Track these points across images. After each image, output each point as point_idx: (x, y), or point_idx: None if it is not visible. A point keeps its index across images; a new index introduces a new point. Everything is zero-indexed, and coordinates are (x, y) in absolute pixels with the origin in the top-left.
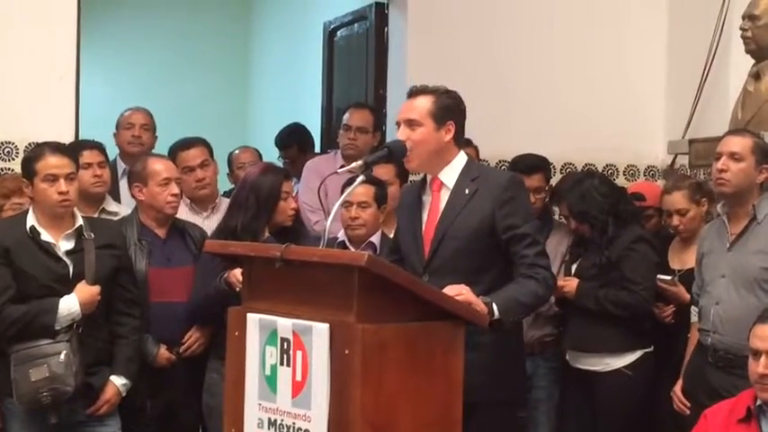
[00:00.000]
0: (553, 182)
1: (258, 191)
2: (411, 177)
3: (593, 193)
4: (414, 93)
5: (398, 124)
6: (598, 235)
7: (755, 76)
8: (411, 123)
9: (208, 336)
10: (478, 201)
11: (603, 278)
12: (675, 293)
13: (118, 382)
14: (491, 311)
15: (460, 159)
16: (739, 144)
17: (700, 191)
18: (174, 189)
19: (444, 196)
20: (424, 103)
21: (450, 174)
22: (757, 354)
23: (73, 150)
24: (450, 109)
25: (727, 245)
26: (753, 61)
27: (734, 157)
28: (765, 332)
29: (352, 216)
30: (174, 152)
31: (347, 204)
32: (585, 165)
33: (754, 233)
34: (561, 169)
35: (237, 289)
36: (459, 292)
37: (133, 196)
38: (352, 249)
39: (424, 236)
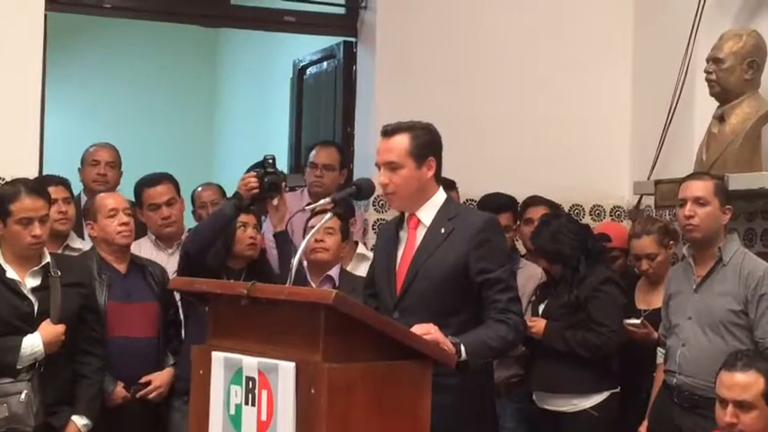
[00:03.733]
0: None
1: None
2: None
3: (564, 231)
4: (389, 132)
5: (378, 166)
6: (570, 273)
7: (720, 118)
8: (391, 166)
9: (167, 385)
10: (453, 241)
11: (571, 319)
12: (645, 335)
13: (80, 422)
14: (458, 352)
15: (440, 197)
16: (702, 188)
17: (667, 234)
18: (123, 218)
19: (420, 234)
20: (402, 142)
21: (428, 211)
22: (723, 402)
23: (44, 188)
24: (428, 145)
25: (694, 287)
26: (717, 104)
27: (699, 201)
28: (732, 380)
29: (317, 239)
30: (141, 189)
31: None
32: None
33: (720, 275)
34: None
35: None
36: (427, 331)
37: (89, 235)
38: (311, 281)
39: (398, 273)
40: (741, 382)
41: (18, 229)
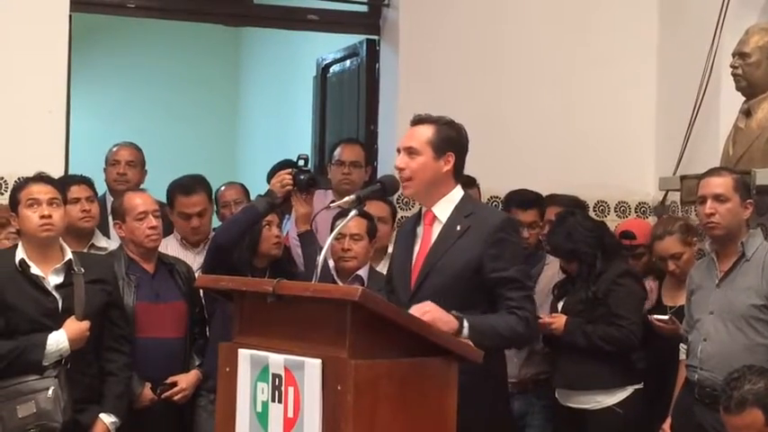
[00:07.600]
0: None
1: None
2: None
3: (579, 228)
4: (416, 121)
5: (399, 151)
6: (587, 270)
7: (746, 112)
8: (410, 151)
9: (193, 387)
10: (469, 239)
11: (590, 314)
12: (673, 331)
13: (107, 420)
14: (461, 327)
15: (457, 194)
16: (722, 185)
17: (689, 232)
18: (152, 222)
19: (436, 230)
20: (425, 131)
21: (445, 208)
22: None
23: (59, 182)
24: (450, 140)
25: (716, 282)
26: (743, 98)
27: (719, 198)
28: (733, 423)
29: (344, 248)
30: (174, 194)
31: (339, 236)
32: None
33: (743, 270)
34: None
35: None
36: (423, 310)
37: (117, 235)
38: (340, 282)
39: (413, 269)
40: (743, 424)
41: (27, 213)
